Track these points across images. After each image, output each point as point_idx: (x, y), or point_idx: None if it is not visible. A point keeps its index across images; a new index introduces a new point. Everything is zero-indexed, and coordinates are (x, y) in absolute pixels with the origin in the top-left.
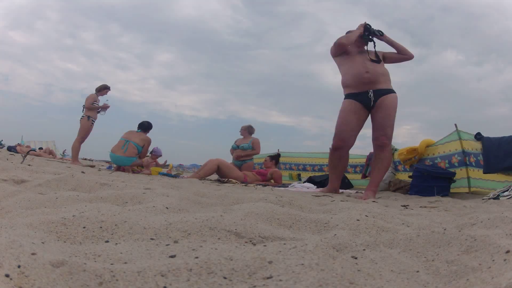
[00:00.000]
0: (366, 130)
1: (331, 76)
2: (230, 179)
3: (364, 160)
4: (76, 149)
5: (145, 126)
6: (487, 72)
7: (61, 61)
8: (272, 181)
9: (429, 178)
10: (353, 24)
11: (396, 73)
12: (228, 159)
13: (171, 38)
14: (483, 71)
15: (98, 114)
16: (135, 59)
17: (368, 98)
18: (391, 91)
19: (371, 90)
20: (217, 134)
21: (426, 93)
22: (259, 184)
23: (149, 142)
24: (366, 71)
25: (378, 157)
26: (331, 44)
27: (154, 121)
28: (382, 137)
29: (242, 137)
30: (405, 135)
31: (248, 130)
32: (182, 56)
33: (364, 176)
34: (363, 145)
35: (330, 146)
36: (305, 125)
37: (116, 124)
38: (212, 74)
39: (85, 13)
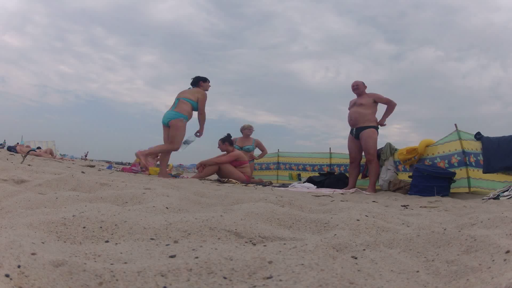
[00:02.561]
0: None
1: (310, 76)
2: (230, 179)
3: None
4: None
5: (194, 80)
6: (471, 68)
7: (53, 63)
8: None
9: (429, 178)
10: (322, 22)
11: (375, 71)
12: None
13: (152, 41)
14: (467, 68)
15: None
16: (121, 61)
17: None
18: (367, 127)
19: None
20: (210, 133)
21: (411, 91)
22: (259, 184)
23: (203, 94)
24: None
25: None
26: (307, 43)
27: (147, 121)
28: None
29: (241, 136)
30: (397, 134)
31: (252, 130)
32: (165, 58)
33: (364, 176)
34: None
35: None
36: (295, 124)
37: (111, 125)
38: (194, 75)
39: (70, 17)
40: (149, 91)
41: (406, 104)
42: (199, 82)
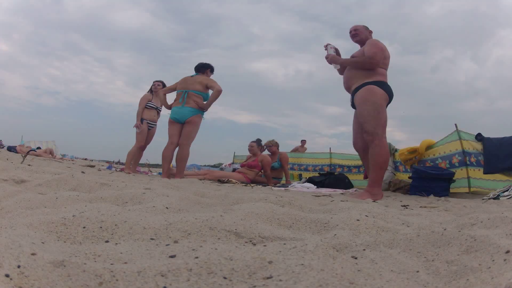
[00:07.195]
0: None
1: (273, 76)
2: (230, 179)
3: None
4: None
5: (199, 67)
6: (437, 61)
7: (43, 66)
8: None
9: (428, 179)
10: (267, 21)
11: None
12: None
13: (123, 45)
14: (432, 61)
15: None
16: (99, 63)
17: (352, 103)
18: (363, 85)
19: (350, 95)
20: (201, 134)
21: None
22: (260, 184)
23: (212, 82)
24: (344, 80)
25: (369, 155)
26: (264, 42)
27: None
28: (364, 134)
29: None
30: None
31: (277, 146)
32: (137, 61)
33: (366, 177)
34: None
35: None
36: (279, 123)
37: (103, 125)
38: (167, 76)
39: (50, 25)
40: (131, 91)
41: None
42: (206, 69)
